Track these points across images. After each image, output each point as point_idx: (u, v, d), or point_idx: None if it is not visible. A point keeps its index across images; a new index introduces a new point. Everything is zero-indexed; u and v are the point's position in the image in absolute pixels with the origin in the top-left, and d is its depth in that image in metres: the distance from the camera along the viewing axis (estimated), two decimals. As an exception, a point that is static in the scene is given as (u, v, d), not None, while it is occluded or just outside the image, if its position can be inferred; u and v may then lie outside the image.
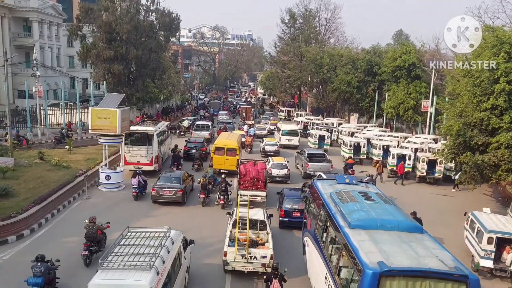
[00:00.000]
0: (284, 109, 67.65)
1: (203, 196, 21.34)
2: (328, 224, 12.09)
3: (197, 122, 42.52)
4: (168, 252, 11.29)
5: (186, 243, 13.55)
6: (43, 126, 35.92)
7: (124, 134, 23.88)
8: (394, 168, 28.28)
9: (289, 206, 18.70)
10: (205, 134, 37.25)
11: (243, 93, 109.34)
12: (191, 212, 20.67)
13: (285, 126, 39.93)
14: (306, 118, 50.04)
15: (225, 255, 13.94)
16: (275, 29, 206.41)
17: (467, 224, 17.05)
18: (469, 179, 21.70)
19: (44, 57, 53.22)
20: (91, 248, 14.40)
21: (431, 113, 36.91)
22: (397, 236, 9.99)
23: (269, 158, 28.32)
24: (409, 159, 28.21)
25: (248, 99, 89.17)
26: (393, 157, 28.77)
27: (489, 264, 14.84)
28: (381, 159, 30.27)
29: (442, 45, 47.55)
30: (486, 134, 21.13)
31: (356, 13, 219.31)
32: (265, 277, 12.71)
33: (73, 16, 55.12)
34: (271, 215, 16.79)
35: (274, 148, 33.97)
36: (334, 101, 55.87)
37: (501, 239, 14.90)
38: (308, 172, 26.85)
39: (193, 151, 29.98)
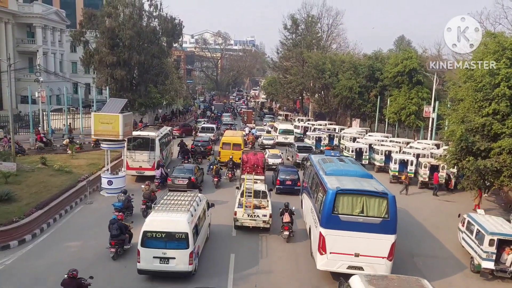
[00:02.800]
0: (282, 113, 69.86)
1: (216, 179, 25.33)
2: (314, 177, 18.00)
3: (203, 125, 44.97)
4: (198, 205, 15.66)
5: (208, 205, 17.61)
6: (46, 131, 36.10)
7: (126, 139, 23.99)
8: (397, 174, 28.34)
9: (283, 176, 24.67)
10: (210, 135, 39.35)
11: (246, 97, 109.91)
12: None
13: (282, 126, 44.08)
14: (307, 123, 50.75)
15: (235, 214, 18.24)
16: (277, 35, 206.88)
17: (462, 225, 17.30)
18: (471, 185, 21.68)
19: (47, 62, 53.56)
20: (147, 204, 19.17)
21: (433, 119, 36.87)
22: (354, 178, 15.84)
23: (267, 150, 32.73)
24: (411, 164, 28.14)
25: (247, 103, 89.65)
26: (395, 163, 28.74)
27: (490, 265, 14.99)
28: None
29: (444, 50, 47.77)
30: (488, 139, 21.08)
31: (358, 19, 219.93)
32: (280, 211, 17.69)
33: (76, 22, 55.43)
34: (271, 189, 21.00)
35: (271, 142, 39.51)
36: (336, 106, 55.94)
37: (501, 240, 15.06)
38: (297, 161, 31.33)
39: (197, 147, 33.46)
